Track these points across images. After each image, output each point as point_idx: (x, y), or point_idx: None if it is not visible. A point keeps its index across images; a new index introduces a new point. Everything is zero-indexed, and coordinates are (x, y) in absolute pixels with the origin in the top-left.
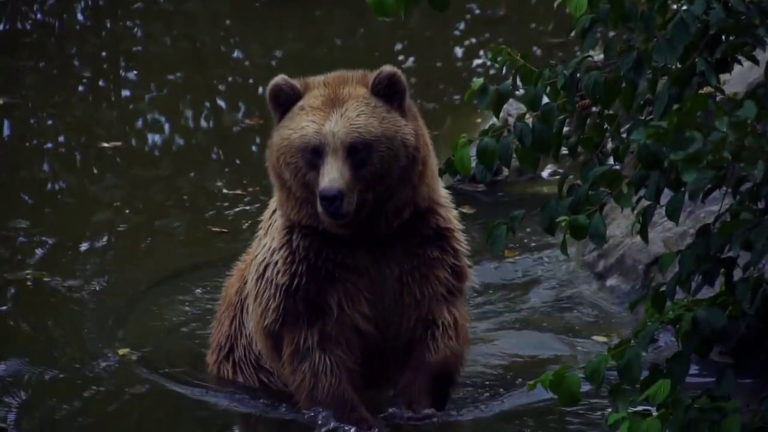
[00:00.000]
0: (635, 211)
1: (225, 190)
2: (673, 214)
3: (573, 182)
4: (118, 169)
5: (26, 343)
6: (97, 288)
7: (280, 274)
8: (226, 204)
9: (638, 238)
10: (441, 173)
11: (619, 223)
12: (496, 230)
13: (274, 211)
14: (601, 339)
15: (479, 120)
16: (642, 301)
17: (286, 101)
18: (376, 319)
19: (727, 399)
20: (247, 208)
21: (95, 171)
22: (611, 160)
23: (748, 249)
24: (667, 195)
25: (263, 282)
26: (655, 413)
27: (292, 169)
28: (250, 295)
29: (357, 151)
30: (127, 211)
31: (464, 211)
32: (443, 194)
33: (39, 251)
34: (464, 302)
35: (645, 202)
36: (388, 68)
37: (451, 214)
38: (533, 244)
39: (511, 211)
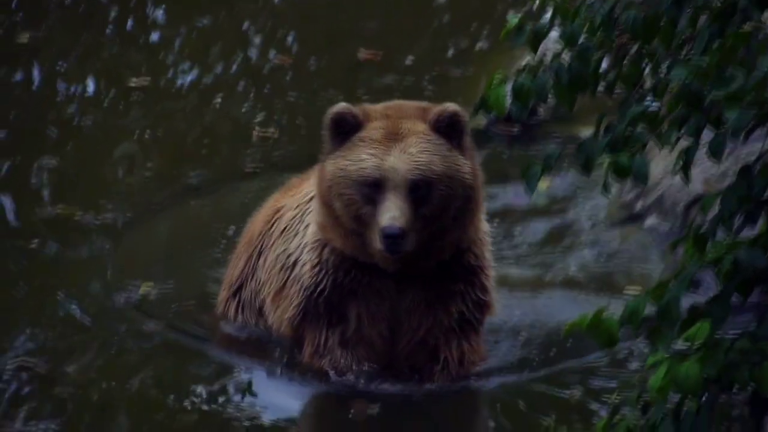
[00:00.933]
0: (675, 151)
1: (257, 128)
2: (714, 153)
3: (610, 121)
4: (144, 105)
5: (54, 278)
6: (123, 222)
7: (306, 277)
8: (256, 142)
9: (677, 177)
10: (475, 112)
11: (658, 163)
12: (531, 169)
13: (311, 198)
14: (642, 280)
15: (514, 59)
16: (682, 241)
17: (347, 131)
18: (390, 340)
19: None
20: (277, 150)
21: (121, 107)
22: (650, 98)
23: None
24: (707, 134)
25: (291, 276)
26: (694, 355)
27: (345, 200)
28: (272, 281)
29: (418, 189)
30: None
31: (499, 149)
32: (484, 229)
33: (68, 187)
34: (482, 335)
35: (685, 142)
36: (451, 107)
37: (485, 249)
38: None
39: (546, 152)
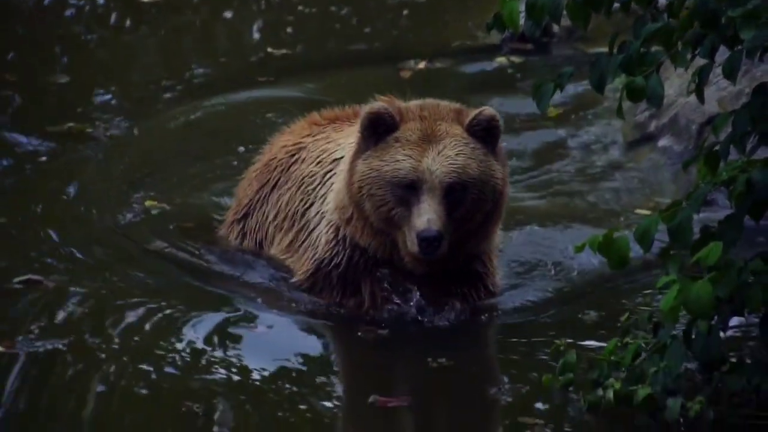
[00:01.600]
0: (690, 70)
1: (268, 48)
2: (730, 72)
3: (624, 40)
4: (154, 22)
5: (64, 194)
6: (132, 137)
7: (321, 249)
8: (266, 57)
9: (692, 97)
10: (489, 28)
11: (672, 83)
12: (543, 87)
13: (335, 160)
14: (647, 208)
15: None
16: (695, 161)
17: (384, 131)
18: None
19: None
20: (290, 63)
21: (129, 23)
22: (665, 18)
23: None
24: (722, 53)
25: (305, 240)
26: (706, 276)
27: (377, 201)
28: (283, 230)
29: (453, 192)
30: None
31: (514, 59)
32: (497, 240)
33: (80, 105)
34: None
35: (700, 61)
36: (488, 111)
37: (494, 257)
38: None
39: (560, 70)
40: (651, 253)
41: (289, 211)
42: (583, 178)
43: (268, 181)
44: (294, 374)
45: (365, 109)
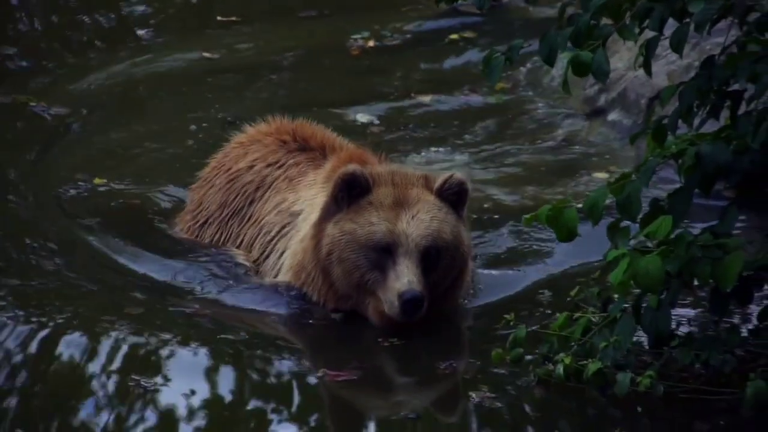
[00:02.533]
0: (638, 44)
1: (217, 17)
2: (677, 45)
3: (574, 11)
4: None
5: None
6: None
7: (287, 279)
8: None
9: (641, 71)
10: (437, 1)
11: (622, 56)
12: (493, 60)
13: (296, 212)
14: (602, 175)
15: None
16: (643, 134)
17: (357, 194)
18: None
19: (729, 236)
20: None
21: None
22: None
23: (753, 82)
24: (671, 26)
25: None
26: (655, 250)
27: (349, 265)
28: (253, 248)
29: (428, 256)
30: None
31: (466, 36)
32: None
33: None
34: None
35: (649, 34)
36: (457, 175)
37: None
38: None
39: (512, 39)
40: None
41: (248, 250)
42: (533, 153)
43: (228, 202)
44: (243, 351)
45: (340, 171)
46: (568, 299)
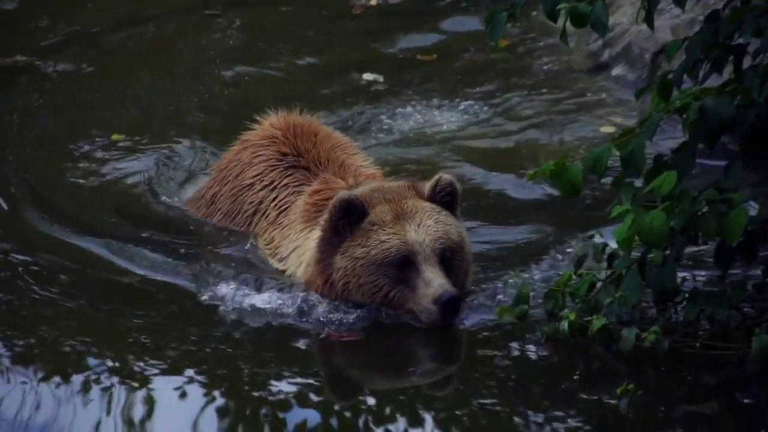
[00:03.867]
0: None
1: None
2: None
3: None
4: None
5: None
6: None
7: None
8: None
9: (645, 26)
10: None
11: (626, 11)
12: (496, 16)
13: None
14: (608, 129)
15: None
16: (648, 89)
17: (356, 219)
18: None
19: (734, 191)
20: None
21: None
22: None
23: (758, 36)
24: None
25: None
26: (660, 206)
27: (370, 289)
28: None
29: (444, 258)
30: None
31: None
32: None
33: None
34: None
35: None
36: (445, 177)
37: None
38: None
39: None
40: None
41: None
42: (537, 108)
43: (232, 215)
44: (247, 328)
45: (334, 200)
46: (572, 255)
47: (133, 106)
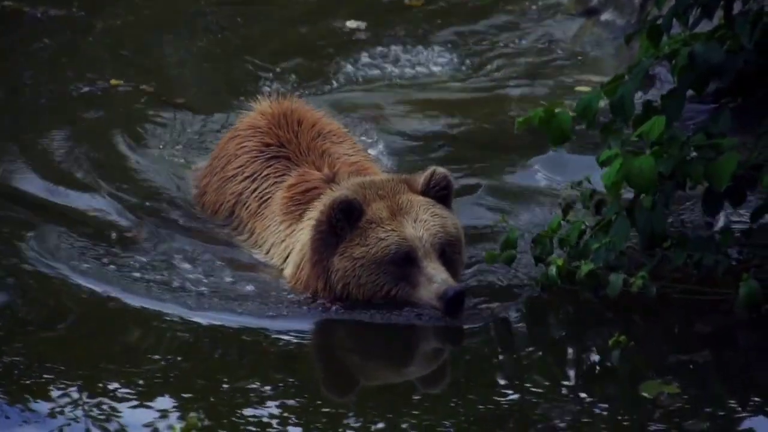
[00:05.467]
0: None
1: None
2: None
3: None
4: None
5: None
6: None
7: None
8: None
9: None
10: None
11: None
12: None
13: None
14: (595, 78)
15: None
16: (637, 35)
17: (356, 217)
18: None
19: (723, 136)
20: None
21: None
22: None
23: None
24: None
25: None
26: (648, 151)
27: (371, 288)
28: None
29: (444, 252)
30: None
31: None
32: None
33: None
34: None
35: None
36: (439, 170)
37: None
38: None
39: None
40: None
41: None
42: (524, 53)
43: (218, 205)
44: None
45: (333, 201)
46: (560, 201)
47: (128, 50)
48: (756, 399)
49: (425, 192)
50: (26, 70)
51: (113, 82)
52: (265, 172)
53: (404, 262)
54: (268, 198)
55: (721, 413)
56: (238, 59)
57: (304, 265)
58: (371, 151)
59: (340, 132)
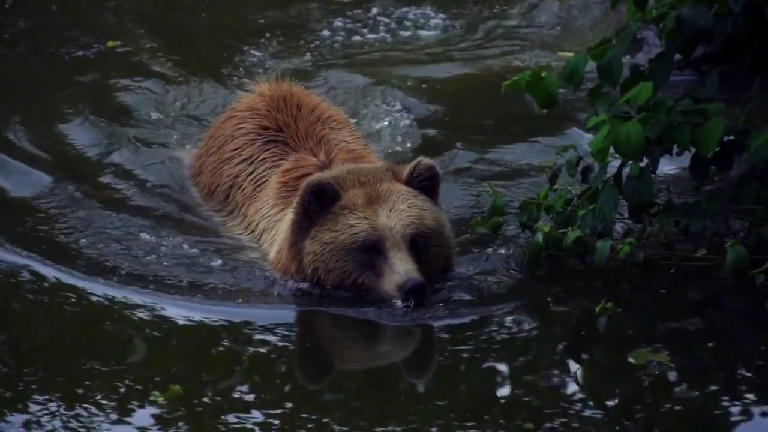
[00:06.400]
0: None
1: None
2: None
3: None
4: None
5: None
6: None
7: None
8: None
9: None
10: None
11: None
12: None
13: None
14: (568, 54)
15: None
16: None
17: (328, 202)
18: None
19: (710, 101)
20: None
21: None
22: None
23: None
24: None
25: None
26: (636, 116)
27: (338, 275)
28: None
29: (416, 245)
30: None
31: None
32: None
33: None
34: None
35: None
36: (425, 161)
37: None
38: None
39: None
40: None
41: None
42: (507, 17)
43: (213, 187)
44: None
45: (305, 184)
46: (546, 170)
47: (121, 13)
48: (744, 366)
49: (409, 182)
50: None
51: (110, 43)
52: (262, 156)
53: (372, 251)
54: (264, 182)
55: (711, 381)
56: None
57: (283, 246)
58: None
59: (340, 118)
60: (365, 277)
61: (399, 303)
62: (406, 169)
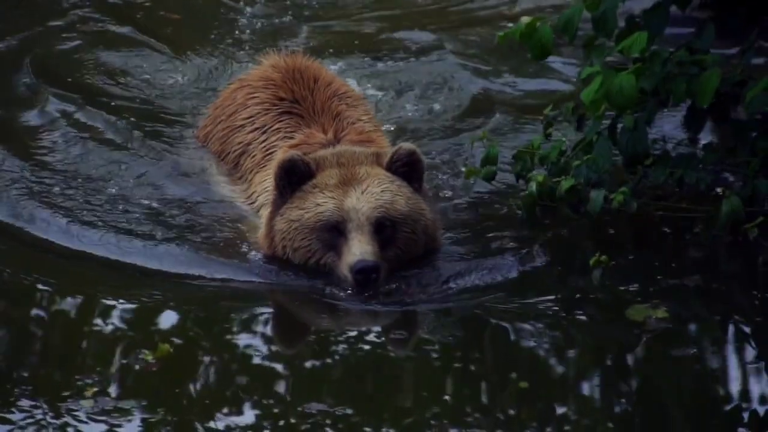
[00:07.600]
0: None
1: None
2: None
3: None
4: None
5: None
6: None
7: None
8: None
9: None
10: None
11: None
12: None
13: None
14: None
15: None
16: None
17: (298, 179)
18: None
19: (706, 52)
20: None
21: None
22: None
23: None
24: None
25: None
26: (630, 67)
27: (303, 253)
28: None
29: (383, 228)
30: None
31: None
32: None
33: None
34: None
35: None
36: (406, 145)
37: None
38: None
39: None
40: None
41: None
42: None
43: (222, 155)
44: None
45: (278, 160)
46: (542, 118)
47: None
48: (742, 323)
49: (390, 166)
50: None
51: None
52: (275, 126)
53: (335, 232)
54: (275, 151)
55: (708, 337)
56: None
57: (264, 223)
58: None
59: (356, 95)
60: (328, 257)
61: (349, 284)
62: (388, 154)
